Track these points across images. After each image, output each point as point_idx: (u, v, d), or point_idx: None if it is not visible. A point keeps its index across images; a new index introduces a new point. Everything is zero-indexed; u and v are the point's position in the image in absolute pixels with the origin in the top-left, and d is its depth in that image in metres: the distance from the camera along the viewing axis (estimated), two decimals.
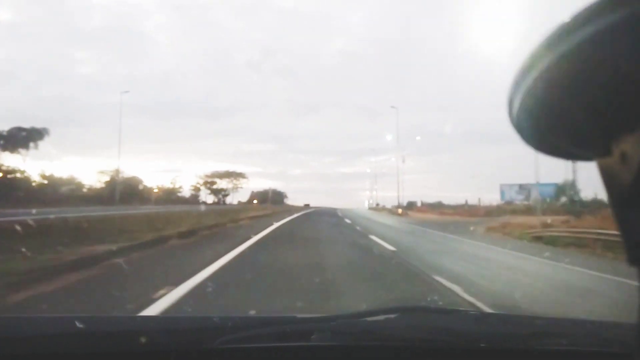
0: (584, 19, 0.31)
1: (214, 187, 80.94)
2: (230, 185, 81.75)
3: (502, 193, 50.40)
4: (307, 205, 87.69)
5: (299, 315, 1.40)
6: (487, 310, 4.33)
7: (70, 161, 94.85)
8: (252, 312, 3.93)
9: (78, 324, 1.17)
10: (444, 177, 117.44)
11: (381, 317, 1.33)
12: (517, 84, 0.39)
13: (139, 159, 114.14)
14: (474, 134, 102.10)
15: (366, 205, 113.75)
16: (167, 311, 3.92)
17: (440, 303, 4.75)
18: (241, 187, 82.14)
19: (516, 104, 0.40)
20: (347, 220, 25.70)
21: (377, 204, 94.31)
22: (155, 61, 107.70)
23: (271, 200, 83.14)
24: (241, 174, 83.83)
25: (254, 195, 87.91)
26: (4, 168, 36.49)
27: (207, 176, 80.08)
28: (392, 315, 1.34)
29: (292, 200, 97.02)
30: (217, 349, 1.11)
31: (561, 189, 38.19)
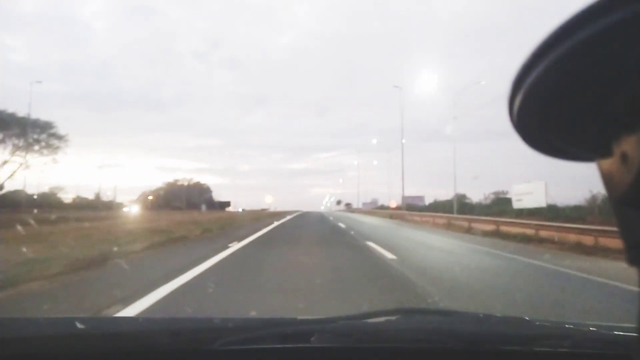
0: (584, 19, 0.32)
1: None
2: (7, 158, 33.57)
3: None
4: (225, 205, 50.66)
5: (300, 317, 1.39)
6: None
7: None
8: (253, 314, 3.93)
9: (78, 325, 1.17)
10: (391, 174, 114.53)
11: (382, 319, 1.33)
12: (517, 84, 0.39)
13: (73, 152, 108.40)
14: (421, 132, 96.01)
15: (325, 204, 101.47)
16: None
17: (441, 305, 4.74)
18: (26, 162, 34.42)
19: (516, 104, 0.40)
20: None
21: (340, 202, 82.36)
22: (92, 49, 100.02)
23: (188, 203, 46.90)
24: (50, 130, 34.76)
25: (153, 193, 48.69)
26: None
27: None
28: (392, 317, 1.34)
29: (219, 197, 75.19)
30: (217, 350, 1.11)
31: None
